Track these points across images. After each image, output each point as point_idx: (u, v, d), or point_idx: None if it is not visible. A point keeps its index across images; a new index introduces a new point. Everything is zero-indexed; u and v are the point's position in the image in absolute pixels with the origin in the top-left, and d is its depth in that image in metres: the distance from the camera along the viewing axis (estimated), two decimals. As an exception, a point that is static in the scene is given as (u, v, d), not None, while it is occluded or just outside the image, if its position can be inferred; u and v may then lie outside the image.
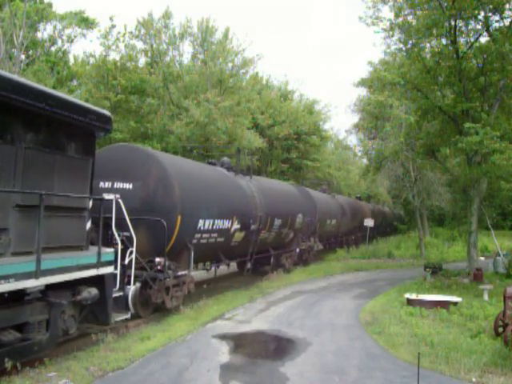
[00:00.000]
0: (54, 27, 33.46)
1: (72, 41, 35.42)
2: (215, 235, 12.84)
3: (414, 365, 7.41)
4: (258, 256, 16.70)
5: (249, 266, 16.28)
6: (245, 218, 14.40)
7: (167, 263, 10.55)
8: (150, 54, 29.85)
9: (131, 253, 9.70)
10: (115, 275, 8.88)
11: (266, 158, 35.27)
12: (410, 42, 17.31)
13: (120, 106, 25.84)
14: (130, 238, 9.82)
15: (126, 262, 9.42)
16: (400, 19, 17.14)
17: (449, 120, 18.01)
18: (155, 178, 10.93)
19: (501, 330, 9.69)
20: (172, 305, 10.96)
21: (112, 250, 8.70)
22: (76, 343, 8.73)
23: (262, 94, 34.83)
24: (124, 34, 27.41)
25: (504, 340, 8.93)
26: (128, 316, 9.26)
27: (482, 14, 16.45)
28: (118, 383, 6.99)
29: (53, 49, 35.79)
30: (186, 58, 32.59)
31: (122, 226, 9.71)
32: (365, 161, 39.95)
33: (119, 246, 8.77)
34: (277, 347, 9.23)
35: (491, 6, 15.66)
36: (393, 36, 17.75)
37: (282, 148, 36.02)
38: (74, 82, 34.84)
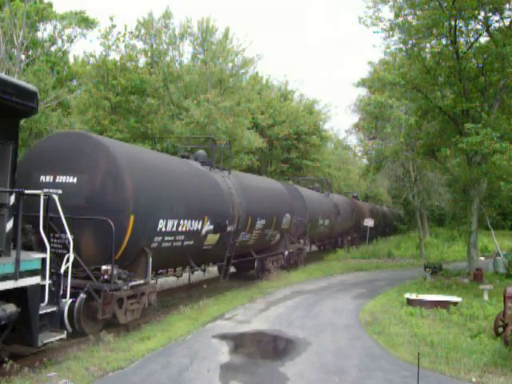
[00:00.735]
0: (54, 27, 33.46)
1: (72, 41, 35.41)
2: (182, 238, 11.15)
3: (414, 365, 7.41)
4: (237, 260, 15.39)
5: (231, 270, 15.08)
6: (219, 219, 12.81)
7: (117, 271, 9.01)
8: (150, 54, 29.85)
9: (68, 259, 8.01)
10: (43, 287, 7.14)
11: (266, 158, 35.26)
12: (410, 42, 17.31)
13: (120, 106, 25.84)
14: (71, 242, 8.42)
15: (62, 270, 7.77)
16: (400, 19, 17.15)
17: (449, 120, 18.01)
18: (103, 171, 9.32)
19: (501, 330, 9.70)
20: (126, 320, 9.47)
21: (39, 256, 7.14)
22: (76, 343, 8.74)
23: (262, 94, 34.81)
24: (124, 34, 27.41)
25: (504, 340, 8.93)
26: (63, 336, 7.48)
27: (482, 13, 16.46)
28: (118, 383, 6.99)
29: (53, 49, 35.79)
30: (186, 58, 32.61)
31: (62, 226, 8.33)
32: (365, 161, 39.97)
33: (48, 252, 7.13)
34: (277, 347, 9.24)
35: (491, 6, 15.66)
36: (393, 36, 17.77)
37: (282, 148, 36.01)
38: (74, 82, 34.83)
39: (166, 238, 10.63)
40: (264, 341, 9.61)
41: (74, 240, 8.15)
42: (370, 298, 14.50)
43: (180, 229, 10.98)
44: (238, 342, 9.33)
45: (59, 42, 35.27)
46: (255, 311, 12.12)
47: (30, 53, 31.26)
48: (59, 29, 33.64)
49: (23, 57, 28.97)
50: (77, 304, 8.54)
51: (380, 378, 7.53)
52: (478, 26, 17.05)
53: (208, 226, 12.28)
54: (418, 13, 17.03)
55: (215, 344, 9.06)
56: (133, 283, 9.48)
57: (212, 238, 12.77)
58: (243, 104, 26.82)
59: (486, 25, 16.65)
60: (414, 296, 13.13)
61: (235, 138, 25.01)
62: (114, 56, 27.45)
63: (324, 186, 30.82)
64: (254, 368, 7.79)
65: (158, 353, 8.42)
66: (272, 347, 9.28)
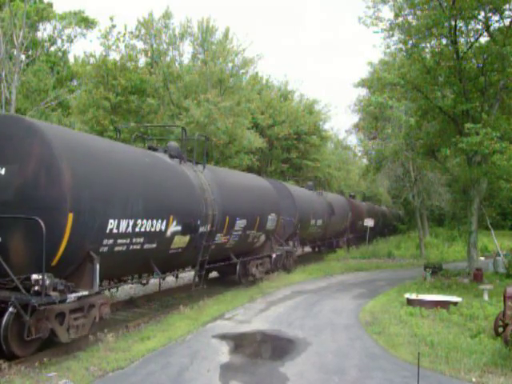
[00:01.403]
0: (54, 27, 33.47)
1: (72, 41, 35.42)
2: (141, 240, 9.57)
3: (414, 365, 7.41)
4: (215, 265, 14.13)
5: (213, 275, 14.41)
6: (189, 218, 11.28)
7: (50, 281, 7.45)
8: (150, 54, 29.86)
9: None
10: None
11: (266, 158, 35.27)
12: (410, 42, 17.32)
13: (120, 106, 25.85)
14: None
15: None
16: (400, 19, 17.15)
17: (449, 120, 18.01)
18: (36, 159, 7.83)
19: (501, 329, 9.69)
20: (69, 338, 8.06)
21: None
22: (76, 343, 8.74)
23: (262, 93, 34.83)
24: (124, 34, 27.44)
25: (504, 340, 8.93)
26: None
27: (482, 14, 16.46)
28: (118, 383, 6.99)
29: (53, 49, 35.82)
30: (186, 58, 32.63)
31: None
32: (365, 161, 39.93)
33: None
34: (277, 347, 9.24)
35: (491, 6, 15.67)
36: (393, 36, 17.77)
37: (282, 148, 36.02)
38: (74, 82, 34.85)
39: (120, 241, 9.03)
40: (264, 341, 9.61)
41: (0, 243, 7.19)
42: (370, 298, 14.50)
43: (137, 230, 9.36)
44: (238, 341, 9.33)
45: (59, 41, 35.30)
46: (255, 311, 12.12)
47: (30, 53, 31.26)
48: (59, 29, 33.65)
49: (23, 57, 28.97)
50: (4, 320, 7.26)
51: (380, 377, 7.53)
52: (478, 26, 17.06)
53: (174, 227, 10.64)
54: (417, 13, 17.03)
55: (215, 344, 9.06)
56: (76, 294, 7.96)
57: (180, 241, 11.12)
58: (243, 104, 26.84)
59: (486, 25, 16.65)
60: (414, 296, 13.13)
61: (235, 137, 25.03)
62: (114, 56, 27.50)
63: (321, 184, 30.42)
64: (254, 368, 7.79)
65: (157, 353, 8.42)
66: (272, 347, 9.28)
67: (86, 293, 8.25)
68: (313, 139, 36.72)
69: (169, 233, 10.52)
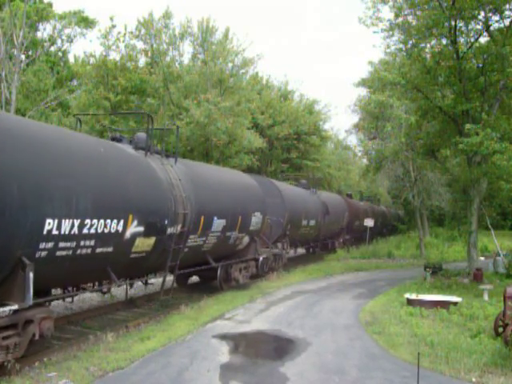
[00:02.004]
0: (54, 27, 33.48)
1: (72, 41, 35.45)
2: (91, 243, 8.17)
3: (414, 365, 7.41)
4: (190, 270, 13.12)
5: (194, 279, 13.51)
6: (154, 218, 9.94)
7: None
8: (150, 54, 29.87)
9: None
10: None
11: (266, 158, 35.28)
12: (410, 42, 17.32)
13: (120, 106, 25.84)
14: None
15: None
16: (400, 19, 17.16)
17: (449, 120, 18.02)
18: None
19: (501, 330, 9.69)
20: None
21: None
22: (76, 343, 8.75)
23: (262, 93, 34.83)
24: (124, 34, 27.44)
25: (504, 340, 8.93)
26: None
27: (482, 14, 16.47)
28: (118, 383, 6.99)
29: (53, 49, 35.82)
30: (186, 58, 32.65)
31: None
32: (365, 161, 39.94)
33: None
34: (277, 347, 9.24)
35: (491, 7, 15.67)
36: (393, 36, 17.78)
37: (282, 148, 36.03)
38: (74, 82, 34.85)
39: (63, 245, 7.65)
40: (264, 341, 9.61)
41: None
42: (370, 298, 14.50)
43: (86, 231, 7.98)
44: (238, 342, 9.33)
45: (59, 41, 35.31)
46: (255, 311, 12.12)
47: (30, 53, 31.27)
48: (59, 29, 33.66)
49: (23, 57, 28.98)
50: None
51: (380, 377, 7.53)
52: (478, 26, 17.08)
53: (135, 228, 9.26)
54: (417, 13, 17.04)
55: (215, 344, 9.06)
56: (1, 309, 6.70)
57: (144, 243, 9.75)
58: (243, 104, 26.84)
59: (486, 25, 16.66)
60: (414, 296, 13.13)
61: (235, 137, 25.03)
62: (114, 56, 27.51)
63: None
64: (254, 368, 7.79)
65: (157, 353, 8.42)
66: (272, 347, 9.28)
67: (15, 307, 6.87)
68: (313, 139, 36.74)
69: (128, 234, 9.10)
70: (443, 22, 16.02)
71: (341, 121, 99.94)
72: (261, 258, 16.37)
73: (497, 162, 14.62)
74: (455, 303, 12.71)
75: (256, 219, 15.49)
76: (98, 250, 8.50)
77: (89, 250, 8.26)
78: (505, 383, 7.42)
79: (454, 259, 26.72)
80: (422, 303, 12.68)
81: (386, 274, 20.78)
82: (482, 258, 24.36)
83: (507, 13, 16.24)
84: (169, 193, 10.60)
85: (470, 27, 17.11)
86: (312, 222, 23.04)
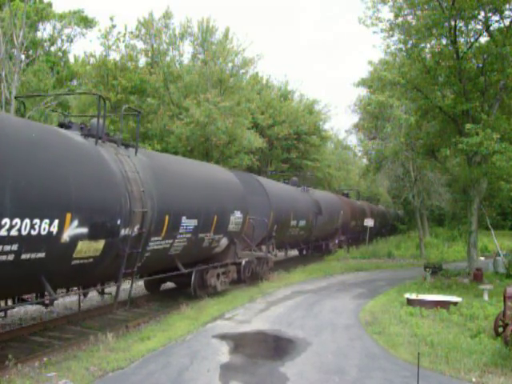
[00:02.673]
0: (54, 27, 33.51)
1: (71, 40, 35.46)
2: (13, 248, 6.74)
3: (414, 365, 7.41)
4: (155, 277, 12.07)
5: (168, 285, 12.53)
6: (102, 217, 8.44)
7: None
8: (150, 54, 29.90)
9: None
10: None
11: (266, 158, 35.29)
12: (410, 42, 17.33)
13: (120, 106, 25.83)
14: None
15: None
16: (400, 19, 17.16)
17: (449, 120, 18.02)
18: None
19: (501, 330, 9.70)
20: None
21: None
22: (76, 343, 8.75)
23: (261, 93, 34.86)
24: (124, 34, 27.47)
25: (504, 340, 8.93)
26: None
27: (482, 14, 16.48)
28: (118, 383, 6.99)
29: (53, 49, 35.83)
30: (186, 58, 32.68)
31: None
32: (365, 161, 39.94)
33: None
34: (277, 347, 9.24)
35: (491, 6, 15.68)
36: (393, 36, 17.79)
37: (282, 148, 36.04)
38: (74, 82, 34.86)
39: None
40: (264, 341, 9.60)
41: None
42: (370, 298, 14.50)
43: (4, 233, 6.54)
44: (238, 341, 9.33)
45: (59, 41, 35.32)
46: (255, 311, 12.12)
47: (30, 53, 31.28)
48: (59, 28, 33.68)
49: (23, 57, 28.99)
50: None
51: (380, 377, 7.53)
52: (478, 26, 17.09)
53: (76, 229, 7.77)
54: (417, 13, 17.04)
55: (215, 344, 9.06)
56: None
57: (90, 248, 8.25)
58: (243, 104, 26.86)
59: (486, 25, 16.66)
60: (414, 296, 13.13)
61: (235, 137, 25.04)
62: (114, 56, 27.55)
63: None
64: (254, 368, 7.79)
65: (157, 353, 8.42)
66: (272, 347, 9.28)
67: None
68: (313, 139, 36.76)
69: (66, 237, 7.58)
70: (443, 22, 16.03)
71: (341, 121, 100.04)
72: (243, 262, 15.16)
73: (496, 162, 14.62)
74: (455, 303, 12.72)
75: (235, 219, 14.04)
76: (25, 257, 6.98)
77: (10, 257, 6.76)
78: (505, 383, 7.42)
79: (453, 259, 26.72)
80: (422, 303, 12.68)
81: (386, 274, 20.78)
82: (482, 258, 24.36)
83: (507, 13, 16.26)
84: (123, 188, 9.03)
85: (469, 27, 17.13)
86: (302, 223, 21.52)
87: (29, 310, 11.31)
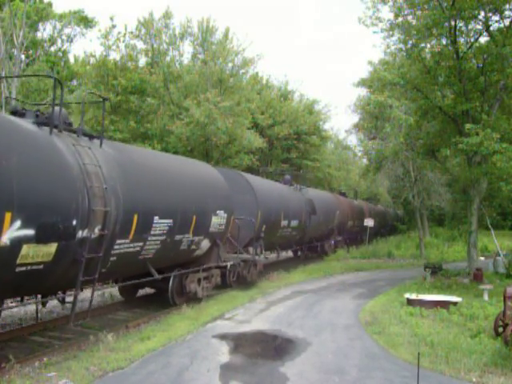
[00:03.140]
0: (54, 27, 33.51)
1: (71, 40, 35.48)
2: None
3: (414, 365, 7.41)
4: (125, 283, 11.26)
5: (135, 293, 11.90)
6: (53, 217, 7.31)
7: None
8: (150, 54, 29.90)
9: None
10: None
11: (266, 158, 35.29)
12: (410, 42, 17.34)
13: (120, 106, 25.86)
14: None
15: None
16: (400, 19, 17.16)
17: (449, 120, 18.03)
18: None
19: (501, 330, 9.70)
20: None
21: None
22: (76, 343, 8.75)
23: (262, 93, 34.86)
24: (124, 34, 27.46)
25: (504, 340, 8.94)
26: None
27: (482, 14, 16.48)
28: (118, 383, 6.99)
29: (52, 49, 35.84)
30: (186, 58, 32.69)
31: None
32: (365, 161, 39.92)
33: None
34: (277, 347, 9.24)
35: (491, 6, 15.68)
36: (392, 36, 17.79)
37: (282, 148, 36.04)
38: (74, 82, 34.88)
39: None
40: (264, 341, 9.60)
41: None
42: (370, 298, 14.50)
43: None
44: (238, 341, 9.33)
45: (59, 41, 35.34)
46: (255, 311, 12.12)
47: (30, 53, 31.29)
48: (58, 28, 33.69)
49: (23, 57, 29.01)
50: None
51: (380, 377, 7.53)
52: (478, 26, 17.09)
53: (18, 230, 6.77)
54: (417, 13, 17.05)
55: (215, 344, 9.06)
56: None
57: (37, 252, 7.15)
58: (243, 104, 26.86)
59: (486, 25, 16.67)
60: (414, 296, 13.13)
61: (235, 137, 25.04)
62: (114, 56, 27.55)
63: (301, 177, 28.71)
64: (254, 368, 7.79)
65: (157, 353, 8.42)
66: (272, 347, 9.28)
67: None
68: (313, 139, 36.75)
69: (6, 240, 6.61)
70: (443, 22, 16.03)
71: (341, 121, 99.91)
72: (228, 266, 14.37)
73: (496, 162, 14.63)
74: (455, 303, 12.72)
75: (218, 219, 12.99)
76: None
77: None
78: (505, 383, 7.42)
79: (453, 259, 26.73)
80: (422, 303, 12.69)
81: (386, 274, 20.78)
82: (482, 258, 24.37)
83: (507, 13, 16.26)
84: (80, 183, 7.93)
85: (469, 27, 17.13)
86: (294, 223, 20.40)
87: (28, 310, 11.31)
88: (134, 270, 10.58)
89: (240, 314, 11.77)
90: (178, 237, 11.07)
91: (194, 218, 11.60)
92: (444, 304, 12.56)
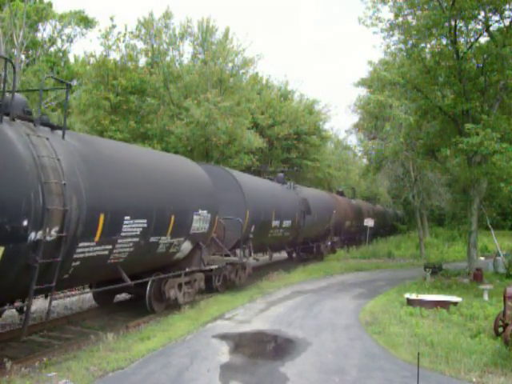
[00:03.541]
0: (54, 27, 33.52)
1: (72, 40, 35.49)
2: None
3: (414, 365, 7.41)
4: (98, 289, 10.51)
5: (111, 300, 11.32)
6: None
7: None
8: (150, 54, 29.89)
9: None
10: None
11: (266, 158, 35.27)
12: (410, 42, 17.34)
13: (120, 106, 25.85)
14: None
15: None
16: (400, 19, 17.17)
17: (449, 120, 18.03)
18: None
19: (501, 330, 9.70)
20: None
21: None
22: (76, 343, 8.75)
23: (262, 93, 34.84)
24: (124, 34, 27.44)
25: (504, 340, 8.94)
26: None
27: (482, 14, 16.48)
28: (118, 383, 6.99)
29: (52, 49, 35.85)
30: (186, 58, 32.67)
31: None
32: (365, 161, 39.92)
33: None
34: (277, 347, 9.24)
35: (491, 7, 15.68)
36: (392, 36, 17.80)
37: (282, 148, 36.01)
38: (74, 82, 34.86)
39: None
40: (264, 341, 9.61)
41: None
42: (370, 298, 14.50)
43: None
44: (238, 341, 9.33)
45: (59, 41, 35.35)
46: (255, 311, 12.12)
47: (30, 53, 31.30)
48: (59, 29, 33.70)
49: (23, 57, 29.01)
50: None
51: (380, 377, 7.53)
52: (478, 26, 17.09)
53: None
54: (417, 13, 17.06)
55: (215, 344, 9.06)
56: None
57: None
58: (243, 104, 26.85)
59: (486, 25, 16.67)
60: (414, 296, 13.13)
61: (235, 137, 25.04)
62: (114, 56, 27.51)
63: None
64: (254, 368, 7.79)
65: (157, 353, 8.42)
66: (272, 347, 9.28)
67: None
68: (313, 139, 36.72)
69: None
70: (443, 22, 16.03)
71: (341, 121, 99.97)
72: (213, 269, 13.59)
73: (496, 162, 14.63)
74: (455, 303, 12.72)
75: (200, 219, 12.00)
76: None
77: None
78: (505, 383, 7.42)
79: (453, 259, 26.73)
80: (422, 303, 12.69)
81: (386, 274, 20.78)
82: (482, 258, 24.37)
83: (507, 13, 16.27)
84: (33, 178, 7.02)
85: (470, 27, 17.14)
86: (287, 223, 19.39)
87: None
88: (104, 276, 9.75)
89: (240, 314, 11.77)
90: (153, 239, 10.10)
91: (173, 218, 10.62)
92: (444, 304, 12.56)
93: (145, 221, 9.60)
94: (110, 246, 8.77)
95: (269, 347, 9.27)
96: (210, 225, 12.63)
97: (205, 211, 12.16)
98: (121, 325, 10.26)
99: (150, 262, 10.74)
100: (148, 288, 10.92)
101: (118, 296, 13.03)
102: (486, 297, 14.03)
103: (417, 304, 12.68)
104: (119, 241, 8.96)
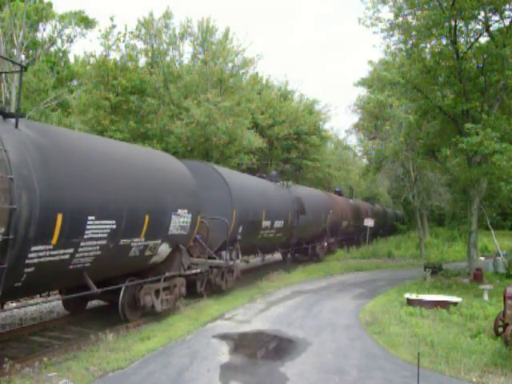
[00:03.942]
0: (54, 27, 33.49)
1: (72, 41, 35.45)
2: None
3: (414, 365, 7.42)
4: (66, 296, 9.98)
5: (84, 307, 10.51)
6: None
7: None
8: (150, 54, 29.88)
9: None
10: None
11: (266, 158, 35.27)
12: (410, 42, 17.34)
13: (120, 106, 25.85)
14: None
15: None
16: (400, 19, 17.17)
17: (449, 120, 18.03)
18: None
19: (501, 330, 9.70)
20: None
21: None
22: (76, 343, 8.75)
23: (262, 93, 34.85)
24: (124, 34, 27.43)
25: (504, 340, 8.94)
26: None
27: (482, 14, 16.49)
28: (118, 383, 6.99)
29: (52, 49, 35.83)
30: (186, 58, 32.66)
31: None
32: (365, 161, 39.92)
33: None
34: (277, 347, 9.24)
35: (491, 7, 15.68)
36: (392, 36, 17.80)
37: (282, 148, 36.01)
38: (74, 82, 34.87)
39: None
40: (264, 341, 9.61)
41: None
42: (370, 298, 14.50)
43: None
44: (238, 342, 9.33)
45: (59, 41, 35.33)
46: (255, 311, 12.12)
47: (30, 53, 31.29)
48: (59, 29, 33.67)
49: (23, 57, 28.99)
50: None
51: (380, 377, 7.53)
52: (478, 26, 17.10)
53: None
54: (417, 13, 17.06)
55: (215, 344, 9.06)
56: None
57: None
58: (243, 104, 26.84)
59: (486, 25, 16.67)
60: (414, 296, 13.13)
61: (235, 137, 25.04)
62: (114, 56, 27.50)
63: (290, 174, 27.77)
64: (254, 368, 7.79)
65: (157, 353, 8.42)
66: (272, 347, 9.28)
67: None
68: (313, 139, 36.72)
69: None
70: (443, 21, 16.03)
71: (341, 121, 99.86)
72: (196, 273, 12.55)
73: (496, 162, 14.63)
74: (455, 303, 12.72)
75: (180, 219, 11.02)
76: None
77: None
78: (505, 383, 7.42)
79: (453, 259, 26.72)
80: (422, 303, 12.69)
81: (386, 274, 20.78)
82: (482, 258, 24.37)
83: (507, 13, 16.28)
84: None
85: (470, 27, 17.14)
86: (279, 223, 18.31)
87: (28, 310, 11.31)
88: (67, 282, 8.85)
89: (240, 314, 11.77)
90: (124, 241, 9.09)
91: (147, 218, 9.62)
92: (444, 304, 12.56)
93: (113, 221, 8.63)
94: (71, 250, 7.79)
95: (269, 347, 9.27)
96: (192, 226, 11.62)
97: (185, 211, 11.15)
98: (121, 325, 10.24)
99: (122, 266, 9.76)
100: (121, 295, 9.98)
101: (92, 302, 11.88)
102: (485, 297, 14.03)
103: (417, 304, 12.68)
104: (82, 244, 7.98)
